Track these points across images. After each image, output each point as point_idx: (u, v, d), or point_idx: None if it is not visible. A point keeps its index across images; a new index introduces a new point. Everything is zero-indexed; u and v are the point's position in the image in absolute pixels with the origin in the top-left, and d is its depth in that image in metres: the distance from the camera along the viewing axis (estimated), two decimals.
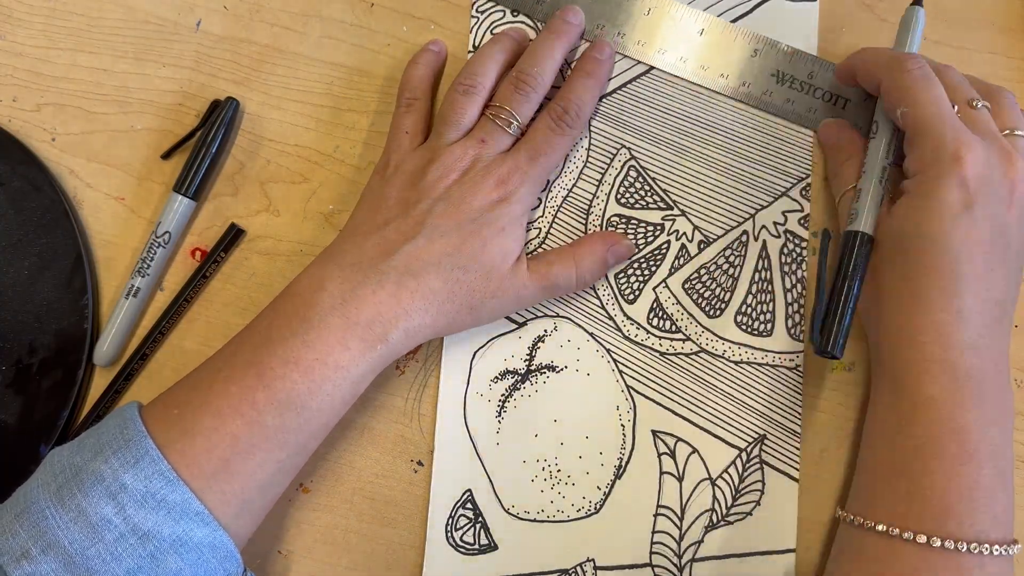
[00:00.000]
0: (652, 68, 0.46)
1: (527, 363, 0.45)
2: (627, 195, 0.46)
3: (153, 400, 0.38)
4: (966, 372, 0.37)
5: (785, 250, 0.45)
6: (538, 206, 0.46)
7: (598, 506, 0.44)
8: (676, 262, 0.45)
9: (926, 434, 0.37)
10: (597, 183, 0.46)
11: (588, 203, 0.46)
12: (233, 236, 0.46)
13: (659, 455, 0.44)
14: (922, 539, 0.36)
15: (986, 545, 0.36)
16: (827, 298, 0.41)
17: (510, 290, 0.42)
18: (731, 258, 0.45)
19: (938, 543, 0.36)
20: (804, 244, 0.45)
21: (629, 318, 0.45)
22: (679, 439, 0.44)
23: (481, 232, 0.41)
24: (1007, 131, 0.40)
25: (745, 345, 0.44)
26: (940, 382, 0.37)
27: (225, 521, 0.36)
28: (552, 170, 0.44)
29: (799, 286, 0.44)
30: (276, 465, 0.38)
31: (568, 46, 0.45)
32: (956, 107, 0.40)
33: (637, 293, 0.45)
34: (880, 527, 0.37)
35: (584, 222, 0.45)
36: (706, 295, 0.45)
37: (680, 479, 0.43)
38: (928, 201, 0.38)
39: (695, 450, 0.44)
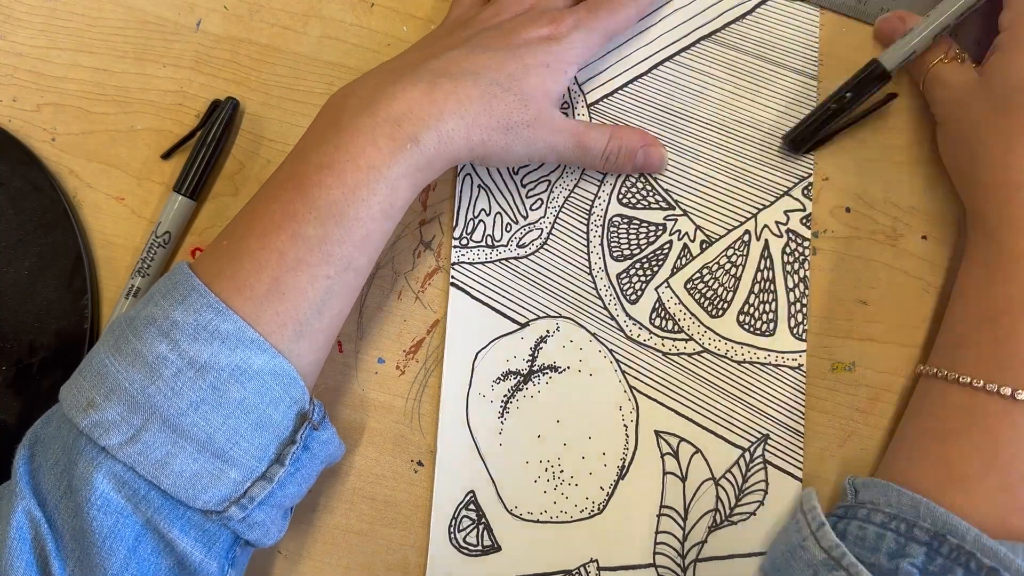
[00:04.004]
0: (653, 67, 0.46)
1: (529, 364, 0.44)
2: (629, 195, 0.46)
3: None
4: None
5: (787, 249, 0.45)
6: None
7: (601, 507, 0.43)
8: (678, 262, 0.45)
9: (1018, 289, 0.37)
10: (599, 183, 0.46)
11: (590, 203, 0.46)
12: None
13: (662, 455, 0.44)
14: (1007, 391, 0.36)
15: None
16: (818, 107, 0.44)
17: (546, 126, 0.41)
18: (733, 258, 0.45)
19: (1023, 395, 0.36)
20: (806, 243, 0.45)
21: (631, 318, 0.45)
22: (682, 439, 0.44)
23: (524, 58, 0.40)
24: None
25: (748, 345, 0.44)
26: None
27: (284, 346, 0.36)
28: (607, 36, 0.43)
29: (801, 285, 0.44)
30: (326, 282, 0.37)
31: None
32: None
33: (639, 293, 0.45)
34: (964, 379, 0.37)
35: (586, 223, 0.45)
36: (708, 295, 0.45)
37: (683, 479, 0.43)
38: None
39: (698, 450, 0.44)
